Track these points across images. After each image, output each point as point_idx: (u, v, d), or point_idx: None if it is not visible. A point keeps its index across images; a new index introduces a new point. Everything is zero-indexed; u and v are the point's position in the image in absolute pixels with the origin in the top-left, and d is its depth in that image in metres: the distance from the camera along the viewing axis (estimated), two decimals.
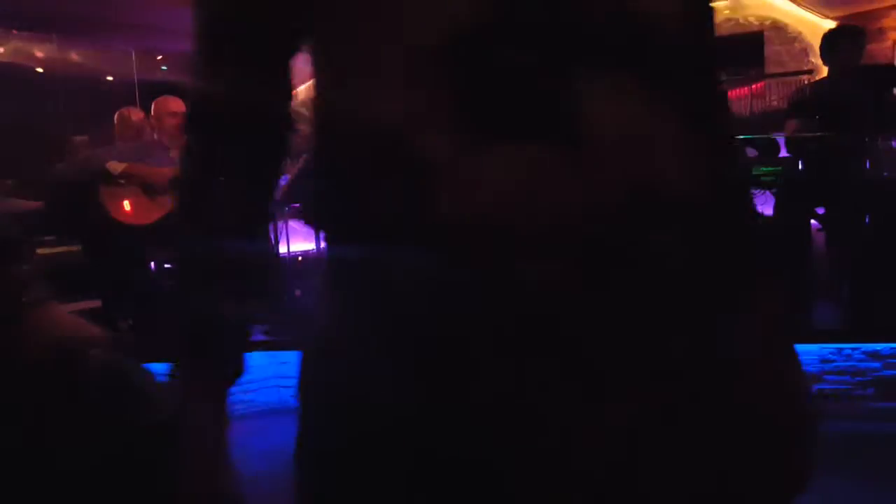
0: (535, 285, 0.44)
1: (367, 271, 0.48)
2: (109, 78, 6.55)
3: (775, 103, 4.39)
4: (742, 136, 3.40)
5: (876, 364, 3.13)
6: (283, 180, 4.03)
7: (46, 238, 3.50)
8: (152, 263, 4.02)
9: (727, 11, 5.76)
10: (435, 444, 0.46)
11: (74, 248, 3.57)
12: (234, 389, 2.60)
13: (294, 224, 4.38)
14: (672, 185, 0.46)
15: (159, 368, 2.86)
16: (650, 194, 0.45)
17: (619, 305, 0.45)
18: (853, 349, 3.09)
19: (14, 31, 5.83)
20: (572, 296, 0.44)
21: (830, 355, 3.11)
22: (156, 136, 3.95)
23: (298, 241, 4.45)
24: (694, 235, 0.46)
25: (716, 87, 0.56)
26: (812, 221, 3.41)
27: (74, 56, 6.11)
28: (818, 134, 3.17)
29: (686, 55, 0.49)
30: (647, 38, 0.46)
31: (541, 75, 0.44)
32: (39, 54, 5.99)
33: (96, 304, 3.38)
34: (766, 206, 3.45)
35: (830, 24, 5.45)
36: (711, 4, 0.55)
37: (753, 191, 3.45)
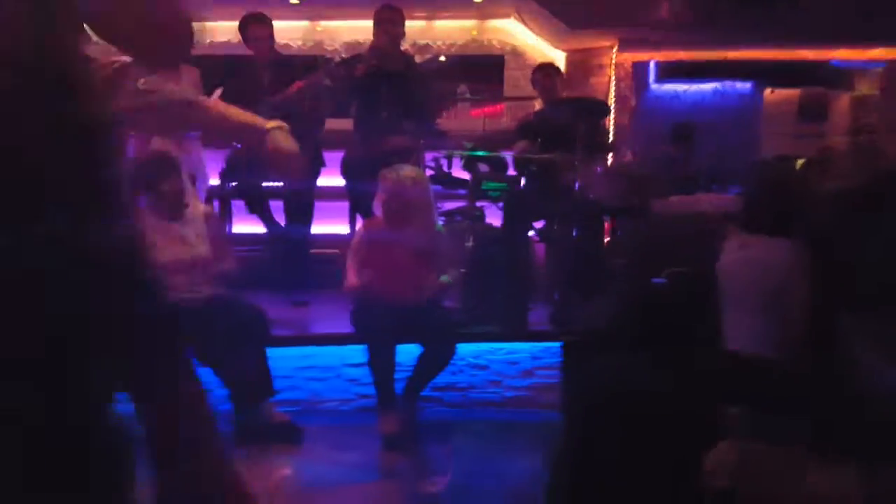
0: None
1: None
2: None
3: (509, 124, 4.85)
4: (478, 153, 3.73)
5: None
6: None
7: None
8: None
9: (474, 33, 6.24)
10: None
11: None
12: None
13: None
14: None
15: None
16: None
17: None
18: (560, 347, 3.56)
19: None
20: None
21: (541, 353, 3.54)
22: None
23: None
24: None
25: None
26: (531, 233, 3.86)
27: None
28: (539, 155, 3.59)
29: None
30: None
31: None
32: None
33: None
34: (494, 217, 3.82)
35: (561, 55, 6.19)
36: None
37: (483, 203, 3.80)
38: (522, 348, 3.51)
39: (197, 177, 4.01)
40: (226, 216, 4.12)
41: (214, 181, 4.15)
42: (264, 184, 4.00)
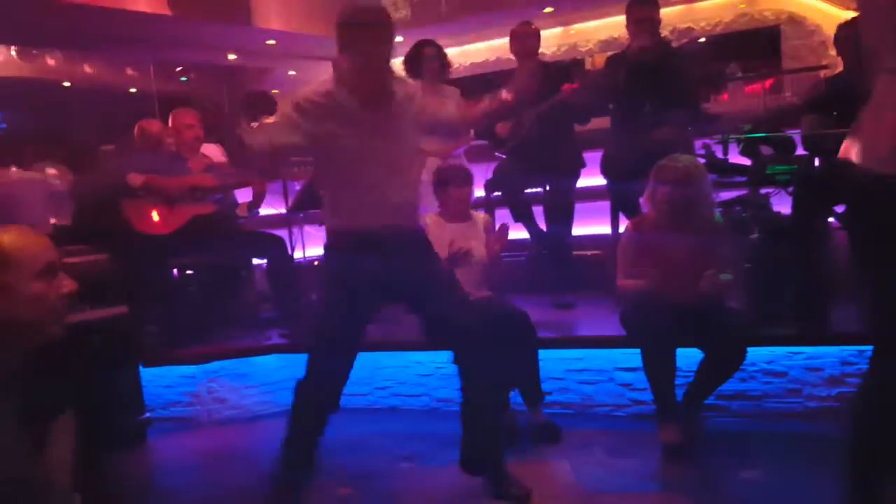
0: None
1: None
2: (132, 90, 6.79)
3: (792, 99, 4.29)
4: (758, 134, 3.34)
5: None
6: (297, 187, 4.10)
7: (74, 248, 3.61)
8: (174, 270, 4.12)
9: (742, 6, 5.65)
10: None
11: (101, 256, 3.67)
12: (251, 391, 2.81)
13: (309, 229, 4.44)
14: None
15: (185, 371, 2.92)
16: None
17: None
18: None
19: (40, 49, 6.06)
20: None
21: (852, 358, 3.04)
22: (173, 147, 4.05)
23: (314, 247, 4.50)
24: None
25: None
26: (830, 220, 3.34)
27: (97, 70, 6.37)
28: (835, 130, 3.10)
29: None
30: None
31: None
32: (65, 70, 6.25)
33: (123, 310, 3.47)
34: (782, 204, 3.38)
35: (852, 16, 5.30)
36: None
37: (769, 189, 3.39)
38: (826, 352, 3.04)
39: None
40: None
41: (479, 192, 4.33)
42: (526, 190, 4.08)
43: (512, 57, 4.15)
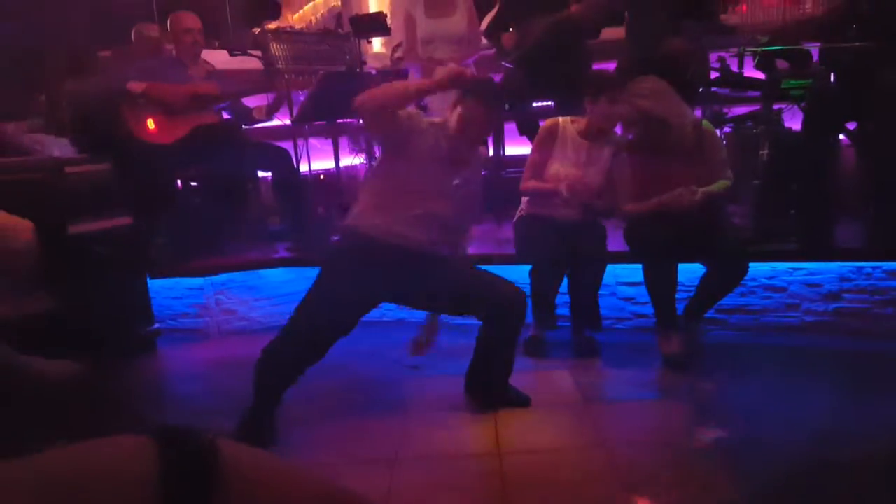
0: None
1: None
2: None
3: (811, 10, 4.14)
4: (774, 47, 3.25)
5: None
6: (302, 97, 4.00)
7: (75, 157, 3.54)
8: (178, 181, 4.08)
9: None
10: None
11: (103, 166, 3.62)
12: (259, 304, 2.88)
13: (314, 142, 4.38)
14: None
15: (193, 282, 2.93)
16: None
17: None
18: (874, 268, 3.06)
19: None
20: None
21: (850, 274, 3.09)
22: (173, 53, 3.92)
23: (319, 160, 4.45)
24: None
25: None
26: (841, 136, 3.30)
27: None
28: (854, 44, 3.01)
29: None
30: None
31: None
32: None
33: (127, 221, 3.45)
34: (794, 120, 3.34)
35: None
36: None
37: (780, 106, 3.34)
38: (827, 269, 3.09)
39: None
40: (499, 139, 4.20)
41: None
42: (534, 104, 4.00)
43: None
